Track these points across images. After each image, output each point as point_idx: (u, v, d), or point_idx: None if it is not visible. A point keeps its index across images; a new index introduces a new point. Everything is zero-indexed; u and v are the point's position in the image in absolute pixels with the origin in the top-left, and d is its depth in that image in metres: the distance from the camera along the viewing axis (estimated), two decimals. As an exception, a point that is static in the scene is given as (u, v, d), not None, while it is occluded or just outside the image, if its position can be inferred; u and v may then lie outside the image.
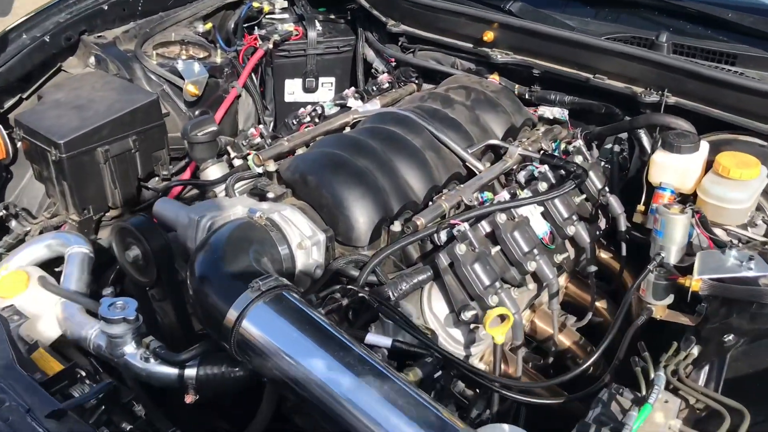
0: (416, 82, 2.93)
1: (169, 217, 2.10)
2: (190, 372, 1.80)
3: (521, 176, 2.34)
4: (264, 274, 1.72)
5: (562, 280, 2.37)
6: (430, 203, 2.16)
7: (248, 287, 1.67)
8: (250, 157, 2.34)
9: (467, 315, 1.89)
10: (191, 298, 1.78)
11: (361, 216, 2.03)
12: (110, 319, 1.75)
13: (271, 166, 2.29)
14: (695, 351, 1.78)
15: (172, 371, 1.81)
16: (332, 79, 3.29)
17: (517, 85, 2.81)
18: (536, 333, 2.25)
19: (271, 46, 3.09)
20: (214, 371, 1.80)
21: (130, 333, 1.79)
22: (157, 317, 2.24)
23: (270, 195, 2.16)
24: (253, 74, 3.14)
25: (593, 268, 2.29)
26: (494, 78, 2.83)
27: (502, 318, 1.78)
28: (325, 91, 3.31)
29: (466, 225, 1.95)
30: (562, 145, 2.49)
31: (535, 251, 2.05)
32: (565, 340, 2.25)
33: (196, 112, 2.92)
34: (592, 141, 2.60)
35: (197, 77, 2.86)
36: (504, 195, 2.17)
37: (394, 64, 3.10)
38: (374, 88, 2.89)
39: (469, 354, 1.97)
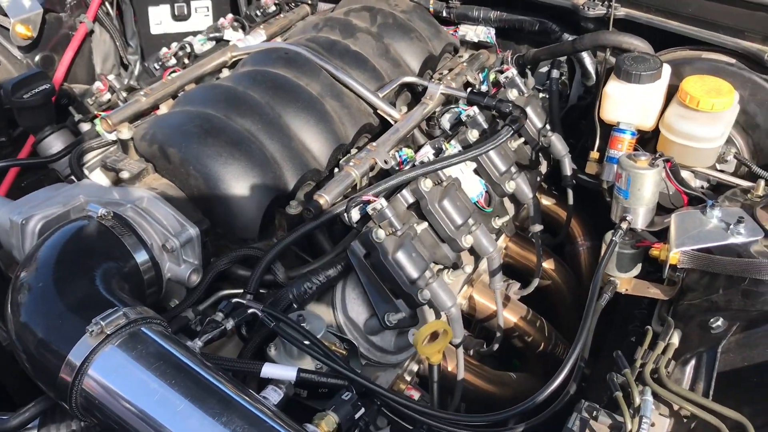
0: (309, 2, 2.39)
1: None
2: (28, 439, 1.33)
3: (445, 121, 1.90)
4: (114, 304, 1.24)
5: (501, 240, 1.98)
6: (336, 170, 1.69)
7: (87, 330, 1.19)
8: (97, 121, 1.81)
9: (393, 320, 1.47)
10: (13, 340, 1.30)
11: (246, 198, 1.55)
12: None
13: (125, 133, 1.74)
14: (676, 339, 1.43)
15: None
16: (208, 3, 2.70)
17: (431, 1, 2.31)
18: (476, 311, 1.86)
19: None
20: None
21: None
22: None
23: (124, 174, 1.64)
24: (106, 3, 2.51)
25: (539, 227, 1.91)
26: (404, -7, 2.32)
27: (435, 335, 1.36)
28: (201, 17, 2.71)
29: (383, 201, 1.50)
30: (492, 75, 2.04)
31: (471, 221, 1.63)
32: (510, 316, 1.87)
33: (36, 58, 2.31)
34: (525, 66, 2.16)
35: (28, 13, 2.23)
36: (427, 152, 1.72)
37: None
38: (258, 14, 2.35)
39: (399, 360, 1.57)
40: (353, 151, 1.74)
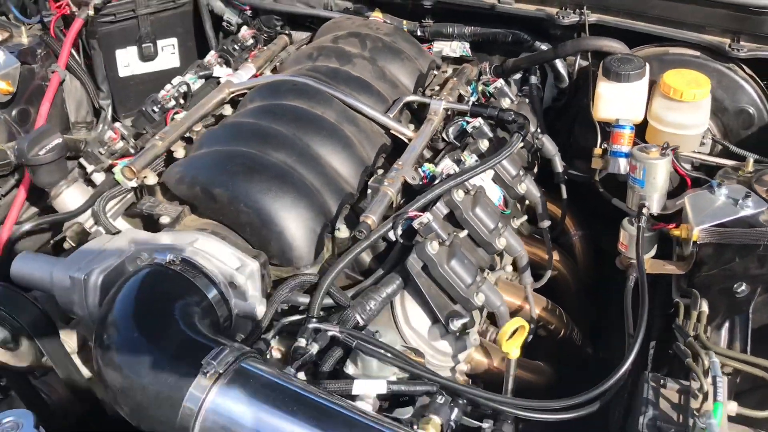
0: (286, 33, 2.46)
1: (39, 279, 1.56)
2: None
3: (450, 134, 2.01)
4: (210, 344, 1.29)
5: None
6: (369, 191, 1.77)
7: (200, 372, 1.23)
8: (117, 170, 1.82)
9: (458, 324, 1.57)
10: (111, 397, 1.31)
11: (299, 228, 1.61)
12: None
13: (151, 178, 1.78)
14: (705, 307, 1.60)
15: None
16: (173, 41, 2.70)
17: (404, 22, 2.43)
18: (501, 308, 1.98)
19: (91, 12, 2.44)
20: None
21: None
22: (43, 396, 1.72)
23: (165, 219, 1.67)
24: (74, 51, 2.49)
25: (547, 223, 2.05)
26: (377, 16, 2.42)
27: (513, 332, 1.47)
28: (168, 56, 2.72)
29: (429, 215, 1.61)
30: (479, 87, 2.18)
31: (500, 225, 1.75)
32: (534, 308, 2.00)
33: (13, 113, 2.26)
34: (506, 75, 2.31)
35: (6, 68, 2.19)
36: (448, 164, 1.83)
37: (250, 13, 2.58)
38: (235, 47, 2.39)
39: (458, 362, 1.67)
40: (379, 171, 1.83)
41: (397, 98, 2.04)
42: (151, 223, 1.72)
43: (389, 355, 1.44)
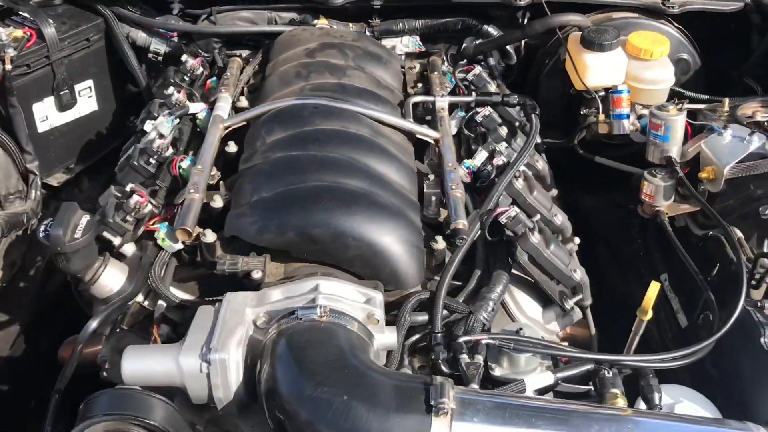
0: (238, 55, 2.33)
1: (164, 373, 1.38)
2: None
3: (453, 126, 2.07)
4: (417, 384, 1.27)
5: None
6: (433, 198, 1.78)
7: (433, 414, 1.21)
8: (161, 235, 1.66)
9: (571, 303, 1.67)
10: None
11: (406, 250, 1.59)
12: None
13: (210, 236, 1.64)
14: (740, 233, 1.85)
15: None
16: (89, 83, 2.43)
17: (350, 24, 2.41)
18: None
19: (8, 66, 2.11)
20: None
21: None
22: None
23: (257, 275, 1.56)
24: (-9, 113, 2.15)
25: (555, 192, 2.20)
26: (323, 23, 2.38)
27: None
28: (85, 100, 2.44)
29: (515, 208, 1.68)
30: (457, 76, 2.25)
31: (549, 201, 1.87)
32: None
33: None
34: (468, 60, 2.40)
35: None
36: (483, 156, 1.90)
37: (176, 39, 2.40)
38: (185, 78, 2.23)
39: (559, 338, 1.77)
40: (431, 177, 1.84)
41: (404, 102, 2.05)
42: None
43: (544, 348, 1.51)
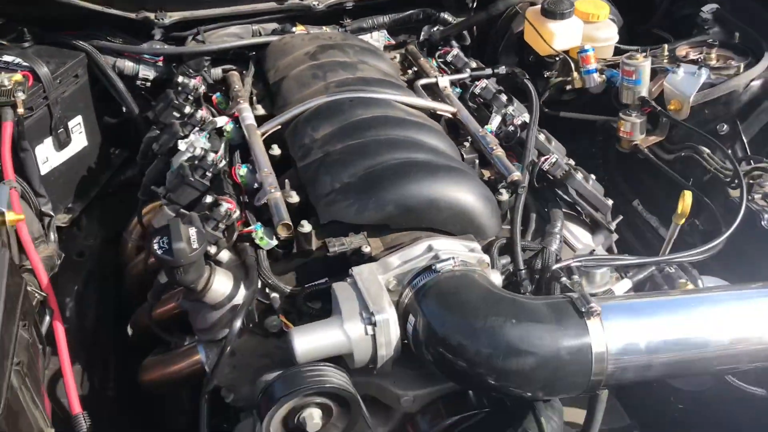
0: (235, 68, 2.43)
1: (333, 345, 1.53)
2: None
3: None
4: (562, 298, 1.52)
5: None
6: (476, 161, 2.04)
7: (585, 318, 1.46)
8: (258, 235, 1.77)
9: (614, 224, 2.01)
10: (516, 386, 1.46)
11: (487, 204, 1.82)
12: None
13: (307, 226, 1.78)
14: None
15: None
16: (79, 119, 2.42)
17: (324, 28, 2.60)
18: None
19: (21, 110, 2.09)
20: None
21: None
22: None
23: (366, 249, 1.73)
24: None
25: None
26: (301, 29, 2.55)
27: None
28: (77, 136, 2.43)
29: (554, 155, 1.99)
30: (434, 61, 2.51)
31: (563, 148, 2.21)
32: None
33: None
34: (435, 45, 2.66)
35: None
36: (498, 120, 2.18)
37: (161, 64, 2.46)
38: (189, 98, 2.31)
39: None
40: (466, 144, 2.09)
41: (414, 85, 2.28)
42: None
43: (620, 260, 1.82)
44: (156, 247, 1.65)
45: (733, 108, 2.30)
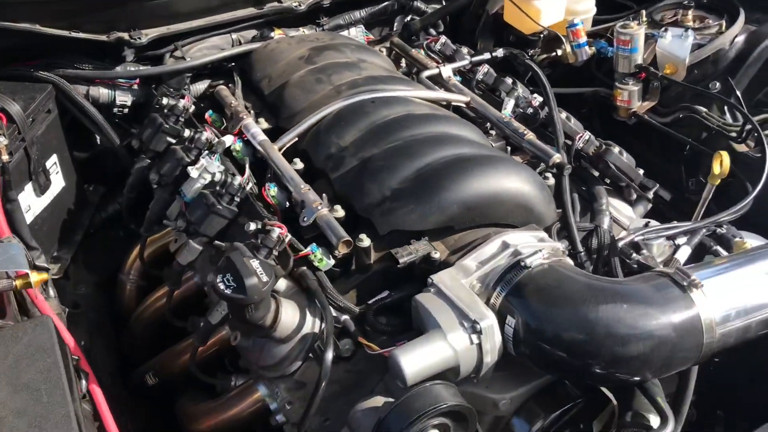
0: (222, 82, 2.27)
1: (441, 360, 1.45)
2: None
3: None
4: (656, 276, 1.52)
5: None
6: (508, 147, 2.01)
7: (687, 292, 1.46)
8: (318, 256, 1.66)
9: (651, 193, 2.02)
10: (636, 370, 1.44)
11: (541, 193, 1.79)
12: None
13: (366, 240, 1.68)
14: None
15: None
16: (54, 158, 2.19)
17: (301, 29, 2.47)
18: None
19: (5, 157, 1.85)
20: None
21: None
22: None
23: (435, 255, 1.66)
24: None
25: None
26: (280, 33, 2.41)
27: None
28: (54, 177, 2.19)
29: (586, 132, 1.98)
30: (421, 51, 2.44)
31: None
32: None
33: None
34: (417, 33, 2.60)
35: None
36: (511, 104, 2.15)
37: (137, 87, 2.26)
38: (180, 119, 2.14)
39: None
40: (492, 132, 2.04)
41: (420, 77, 2.20)
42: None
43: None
44: (222, 286, 1.50)
45: (720, 66, 2.36)
